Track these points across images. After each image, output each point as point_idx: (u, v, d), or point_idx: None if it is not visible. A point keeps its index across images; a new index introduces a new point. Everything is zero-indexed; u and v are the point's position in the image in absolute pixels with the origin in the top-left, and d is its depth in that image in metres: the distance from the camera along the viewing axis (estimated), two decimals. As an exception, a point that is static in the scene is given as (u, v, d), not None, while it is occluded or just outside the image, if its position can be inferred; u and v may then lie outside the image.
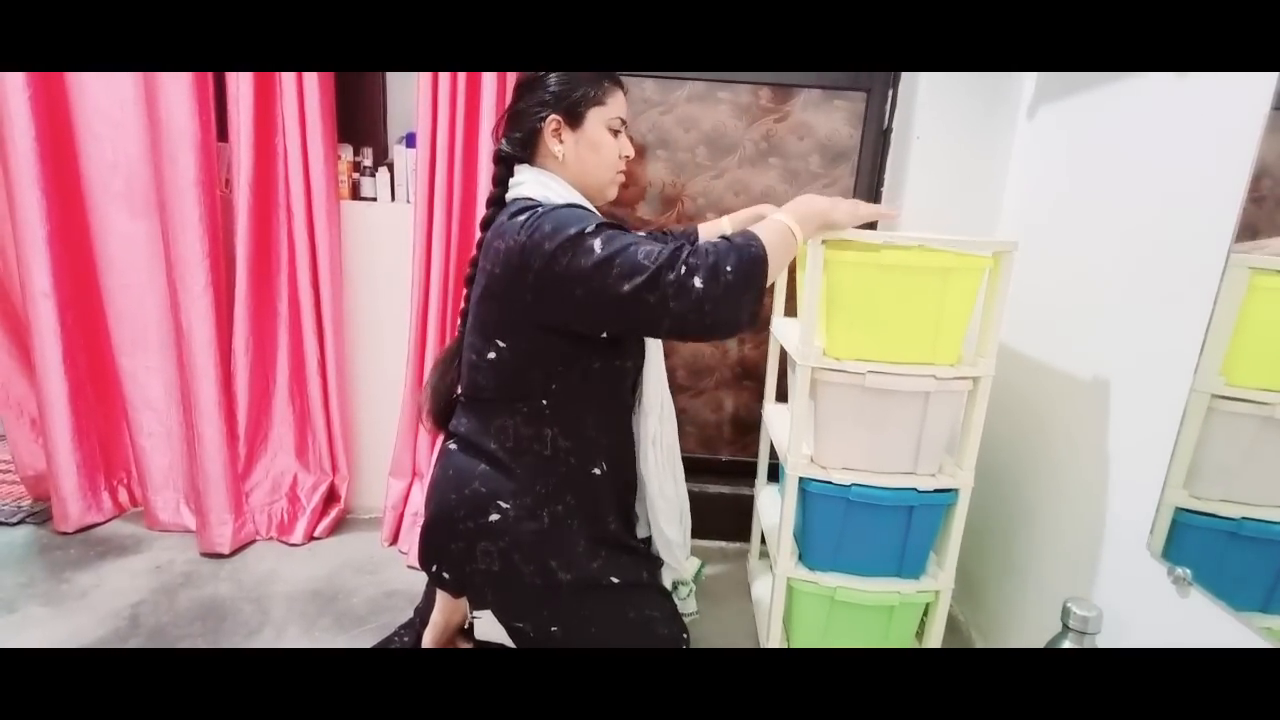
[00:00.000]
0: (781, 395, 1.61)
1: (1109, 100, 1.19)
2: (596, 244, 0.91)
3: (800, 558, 1.30)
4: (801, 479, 1.23)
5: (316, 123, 1.58)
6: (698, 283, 0.88)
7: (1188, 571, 0.91)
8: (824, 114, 1.69)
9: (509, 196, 1.07)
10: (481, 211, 1.54)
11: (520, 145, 1.07)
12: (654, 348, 1.12)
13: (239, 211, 1.60)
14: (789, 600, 1.31)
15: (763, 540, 1.69)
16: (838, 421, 1.21)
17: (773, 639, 1.33)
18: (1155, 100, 1.07)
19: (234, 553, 1.66)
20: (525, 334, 1.01)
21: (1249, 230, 0.88)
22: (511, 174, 1.09)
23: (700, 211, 1.76)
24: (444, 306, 1.64)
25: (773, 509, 1.50)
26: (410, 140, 1.64)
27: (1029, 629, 1.30)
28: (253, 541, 1.72)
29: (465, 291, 1.13)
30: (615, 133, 1.08)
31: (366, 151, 1.73)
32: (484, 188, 1.56)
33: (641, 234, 0.96)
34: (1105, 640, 1.00)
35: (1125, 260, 1.11)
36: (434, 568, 1.13)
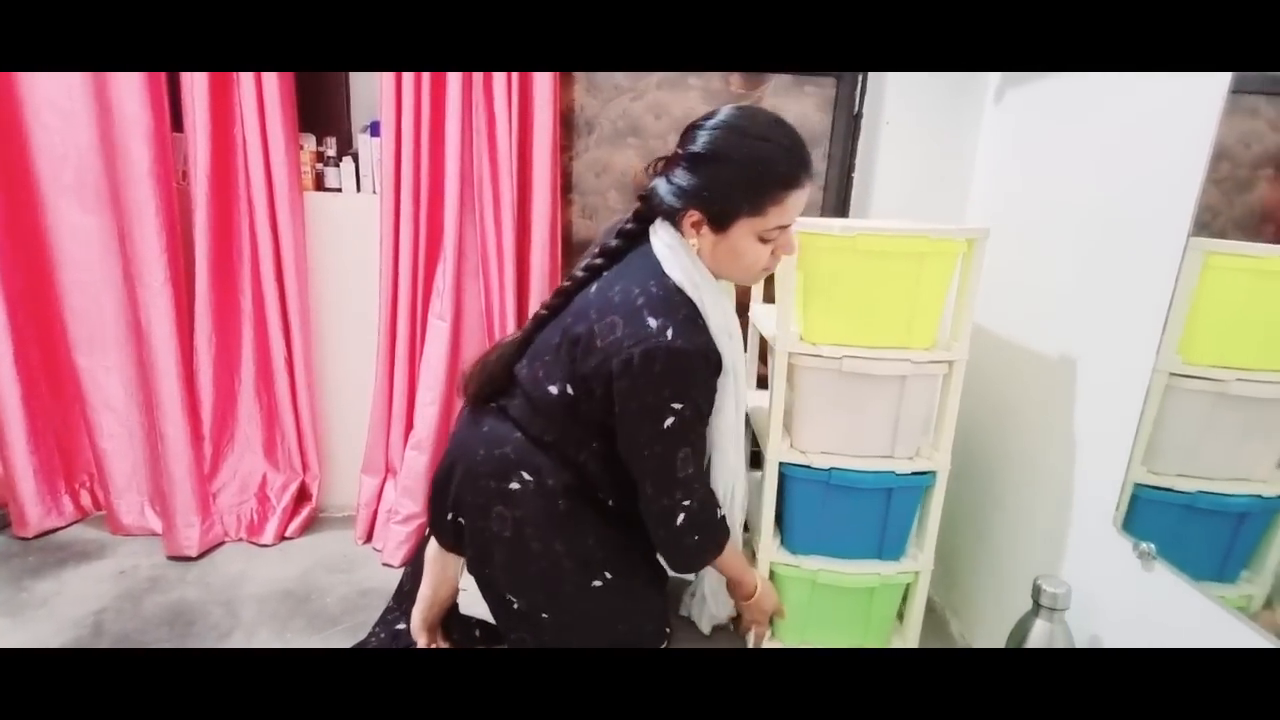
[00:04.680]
0: (760, 382, 1.61)
1: (1073, 83, 1.20)
2: (670, 422, 0.96)
3: (781, 542, 1.31)
4: (781, 464, 1.23)
5: (276, 112, 1.53)
6: (667, 528, 1.03)
7: (1152, 546, 0.93)
8: (795, 100, 1.68)
9: (656, 251, 1.01)
10: (452, 199, 1.55)
11: (664, 210, 1.00)
12: (725, 450, 1.11)
13: (197, 204, 1.55)
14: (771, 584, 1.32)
15: (744, 527, 1.70)
16: (816, 406, 1.22)
17: None
18: (1118, 83, 1.08)
19: (202, 555, 1.62)
20: (590, 401, 1.02)
21: (1209, 212, 0.90)
22: (653, 217, 1.03)
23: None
24: (414, 298, 1.61)
25: (753, 495, 1.51)
26: (375, 129, 1.60)
27: (1003, 608, 1.32)
28: (221, 543, 1.68)
29: (555, 301, 1.08)
30: (766, 240, 0.98)
31: (330, 141, 1.68)
32: (452, 176, 1.53)
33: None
34: (1075, 615, 1.02)
35: (1091, 242, 1.12)
36: (450, 515, 1.12)
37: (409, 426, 1.67)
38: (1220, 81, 0.86)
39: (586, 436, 1.07)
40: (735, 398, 1.09)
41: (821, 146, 1.70)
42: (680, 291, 0.98)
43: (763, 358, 1.58)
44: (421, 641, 1.23)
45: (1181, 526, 0.94)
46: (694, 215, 0.97)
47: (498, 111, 1.50)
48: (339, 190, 1.68)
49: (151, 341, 1.55)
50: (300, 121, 1.61)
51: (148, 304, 1.53)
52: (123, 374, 1.64)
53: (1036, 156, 1.33)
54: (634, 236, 1.04)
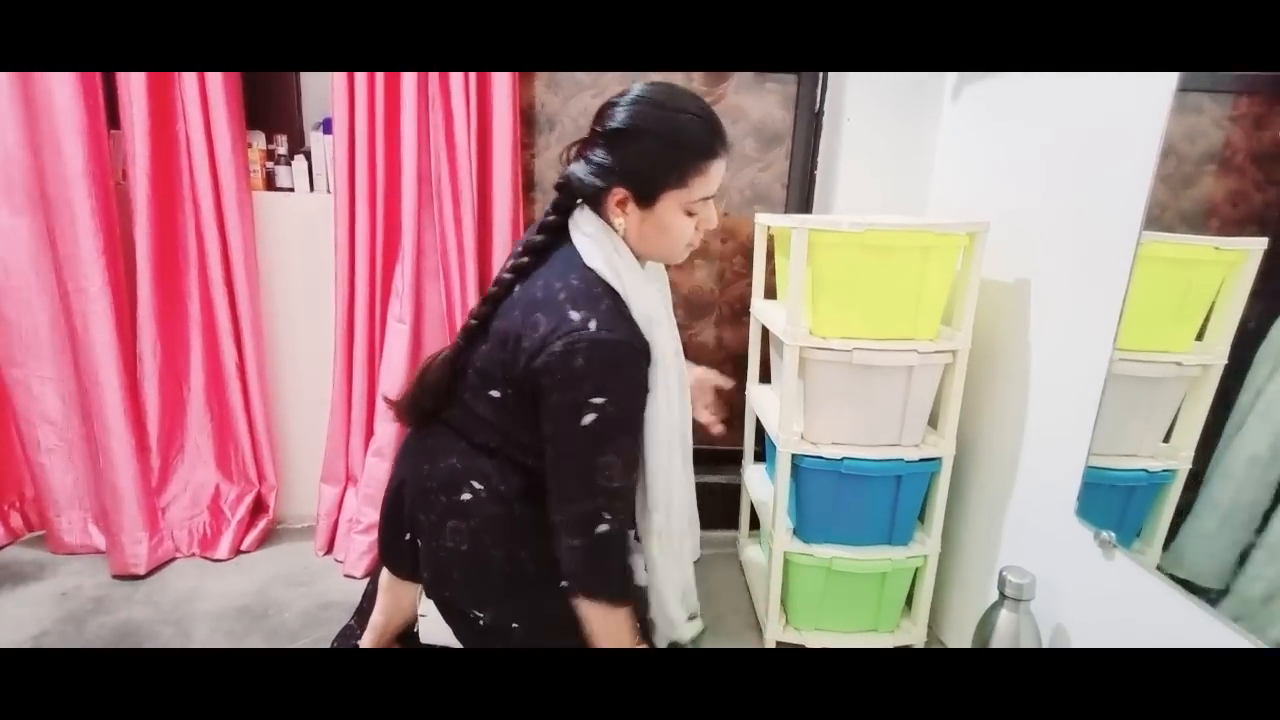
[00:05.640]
0: (765, 377, 1.61)
1: (1028, 81, 1.22)
2: (589, 418, 0.90)
3: (795, 532, 1.33)
4: (794, 456, 1.25)
5: (221, 107, 1.46)
6: (584, 537, 0.94)
7: (1112, 535, 0.95)
8: (757, 97, 1.68)
9: (576, 242, 0.98)
10: (409, 198, 1.50)
11: (587, 189, 0.97)
12: (658, 447, 1.01)
13: (137, 205, 1.47)
14: (786, 574, 1.34)
15: (752, 521, 1.70)
16: (826, 398, 1.24)
17: (772, 614, 1.36)
18: (1072, 82, 1.10)
19: (151, 573, 1.55)
20: (526, 403, 0.97)
21: (1157, 206, 0.92)
22: (573, 205, 1.00)
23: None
24: (371, 301, 1.56)
25: (763, 488, 1.53)
26: (328, 126, 1.55)
27: (969, 599, 1.34)
28: (172, 559, 1.61)
29: (483, 310, 1.03)
30: (691, 214, 0.97)
31: (280, 139, 1.62)
32: (409, 173, 1.49)
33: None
34: (1039, 605, 1.04)
35: (1047, 236, 1.15)
36: (407, 536, 1.08)
37: (369, 433, 1.62)
38: (1168, 81, 0.88)
39: (531, 442, 1.02)
40: (666, 390, 1.01)
41: (784, 144, 1.71)
42: (602, 281, 0.95)
43: (766, 353, 1.58)
44: None
45: (1119, 502, 0.99)
46: (619, 193, 0.95)
47: (455, 108, 1.46)
48: (291, 190, 1.62)
49: (90, 350, 1.47)
50: (248, 118, 1.55)
51: (85, 311, 1.45)
52: (60, 385, 1.55)
53: (993, 153, 1.35)
54: (557, 229, 1.00)
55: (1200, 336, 0.88)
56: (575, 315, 0.90)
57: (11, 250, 1.47)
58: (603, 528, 0.94)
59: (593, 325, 0.90)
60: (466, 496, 1.02)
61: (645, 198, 0.95)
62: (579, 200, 0.99)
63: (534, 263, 1.00)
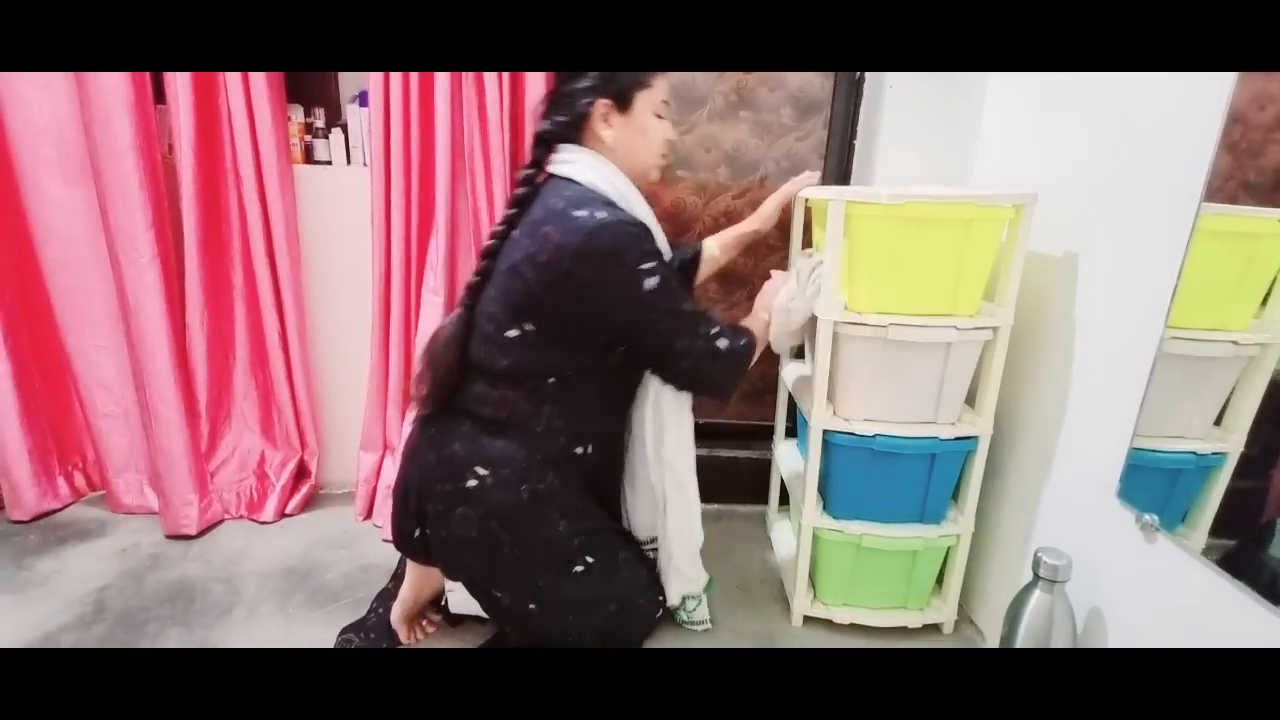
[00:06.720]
0: (798, 352, 1.60)
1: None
2: (651, 281, 1.00)
3: (825, 508, 1.33)
4: (826, 431, 1.24)
5: (262, 82, 1.48)
6: (718, 355, 1.09)
7: (1155, 518, 0.92)
8: (795, 64, 1.63)
9: (560, 173, 1.06)
10: (443, 170, 1.51)
11: (566, 127, 1.07)
12: None
13: (183, 178, 1.51)
14: (815, 549, 1.34)
15: (782, 497, 1.71)
16: (860, 374, 1.22)
17: (800, 589, 1.36)
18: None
19: (201, 533, 1.62)
20: (558, 321, 1.02)
21: (1219, 176, 0.87)
22: (550, 153, 1.08)
23: (669, 168, 1.71)
24: (407, 272, 1.58)
25: (794, 464, 1.52)
26: (364, 99, 1.56)
27: (1003, 580, 1.33)
28: (221, 521, 1.68)
29: (483, 264, 1.09)
30: (660, 117, 1.09)
31: (318, 112, 1.64)
32: (442, 147, 1.49)
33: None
34: (1075, 587, 1.02)
35: (1099, 208, 1.10)
36: (415, 532, 1.11)
37: (406, 402, 1.66)
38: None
39: (561, 362, 1.06)
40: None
41: (823, 112, 1.66)
42: (595, 189, 1.04)
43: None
44: (402, 634, 1.24)
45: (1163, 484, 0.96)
46: (602, 106, 1.04)
47: (487, 81, 1.46)
48: (329, 163, 1.64)
49: (142, 319, 1.53)
50: (287, 91, 1.57)
51: (135, 280, 1.50)
52: (116, 352, 1.62)
53: (1044, 120, 1.29)
54: (534, 180, 1.08)
55: (1260, 315, 0.84)
56: (580, 213, 0.98)
57: (68, 222, 1.52)
58: (724, 342, 1.08)
59: (599, 215, 0.98)
60: (472, 483, 1.04)
61: (624, 101, 1.05)
62: (556, 147, 1.08)
63: (522, 211, 1.07)
